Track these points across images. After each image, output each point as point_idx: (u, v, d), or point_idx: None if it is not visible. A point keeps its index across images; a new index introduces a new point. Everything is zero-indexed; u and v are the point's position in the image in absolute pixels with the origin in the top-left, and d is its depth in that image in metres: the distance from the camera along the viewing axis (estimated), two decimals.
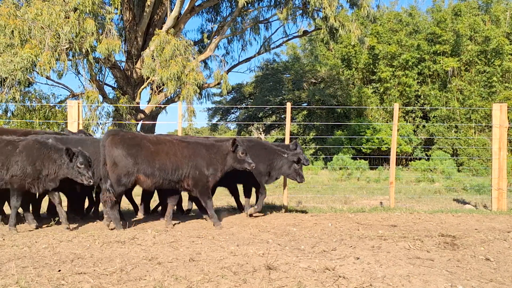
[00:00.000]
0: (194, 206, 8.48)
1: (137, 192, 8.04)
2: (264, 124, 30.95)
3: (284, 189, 9.17)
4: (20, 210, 6.65)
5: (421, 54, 27.64)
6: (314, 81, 30.45)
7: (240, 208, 8.50)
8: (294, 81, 30.26)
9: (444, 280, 3.96)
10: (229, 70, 25.12)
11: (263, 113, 31.61)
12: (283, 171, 7.90)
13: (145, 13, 20.43)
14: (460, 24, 27.29)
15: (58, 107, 21.06)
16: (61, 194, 6.82)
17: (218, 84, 22.31)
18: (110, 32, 17.23)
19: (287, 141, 9.25)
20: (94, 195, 7.85)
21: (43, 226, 6.80)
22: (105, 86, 21.47)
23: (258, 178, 7.82)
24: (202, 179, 6.74)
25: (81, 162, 6.19)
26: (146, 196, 8.09)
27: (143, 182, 6.56)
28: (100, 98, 19.26)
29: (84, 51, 16.59)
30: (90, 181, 6.27)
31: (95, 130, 19.27)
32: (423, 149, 25.99)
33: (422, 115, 27.99)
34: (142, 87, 20.64)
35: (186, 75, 17.96)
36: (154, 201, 8.52)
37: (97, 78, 19.98)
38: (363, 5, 20.14)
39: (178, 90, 18.75)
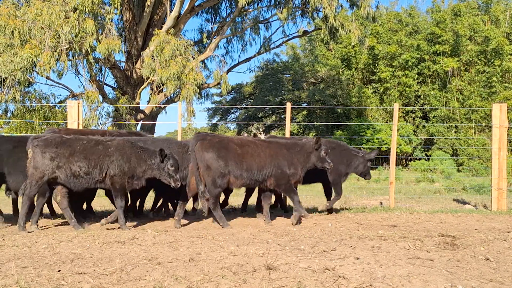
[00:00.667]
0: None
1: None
2: (264, 124, 30.94)
3: None
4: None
5: (421, 54, 27.64)
6: (314, 81, 30.45)
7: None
8: (294, 81, 30.25)
9: (444, 280, 3.96)
10: (229, 70, 25.13)
11: (263, 113, 31.60)
12: (358, 169, 8.32)
13: (145, 13, 20.43)
14: (459, 25, 27.29)
15: (58, 107, 21.08)
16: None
17: (218, 84, 22.31)
18: (110, 32, 17.23)
19: None
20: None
21: (43, 226, 6.80)
22: (105, 86, 21.48)
23: (337, 178, 8.16)
24: (284, 178, 6.94)
25: (172, 164, 6.39)
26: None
27: (233, 183, 6.83)
28: (100, 98, 19.26)
29: (84, 51, 16.59)
30: (178, 184, 6.44)
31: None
32: (423, 149, 25.99)
33: (422, 115, 27.98)
34: (142, 87, 20.64)
35: (186, 75, 17.96)
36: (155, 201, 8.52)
37: (97, 78, 19.98)
38: (362, 5, 20.15)
39: (178, 90, 18.75)
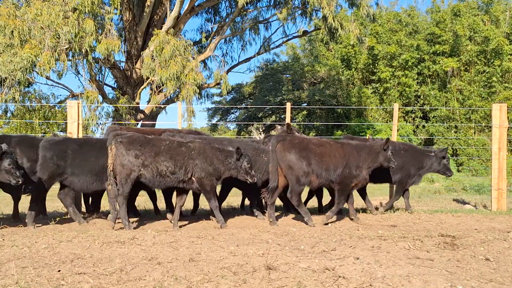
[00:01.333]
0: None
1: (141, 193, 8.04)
2: (264, 124, 30.92)
3: None
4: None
5: (420, 54, 27.64)
6: (314, 81, 30.44)
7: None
8: (294, 81, 30.25)
9: (444, 280, 3.96)
10: (228, 70, 25.14)
11: (263, 113, 31.58)
12: (434, 168, 8.56)
13: (144, 13, 20.43)
14: (459, 25, 27.29)
15: (58, 107, 21.09)
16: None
17: (218, 84, 22.31)
18: (109, 32, 17.23)
19: None
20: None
21: (40, 225, 6.80)
22: (104, 86, 21.49)
23: (405, 178, 8.42)
24: (349, 178, 7.14)
25: (248, 162, 6.68)
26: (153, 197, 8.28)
27: (313, 182, 7.03)
28: (100, 98, 19.28)
29: (83, 51, 16.60)
30: (255, 179, 6.77)
31: (95, 130, 19.31)
32: None
33: (422, 115, 27.99)
34: (142, 87, 20.64)
35: (186, 75, 17.96)
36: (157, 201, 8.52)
37: (97, 78, 19.98)
38: (361, 5, 20.16)
39: (177, 90, 18.76)
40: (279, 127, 9.05)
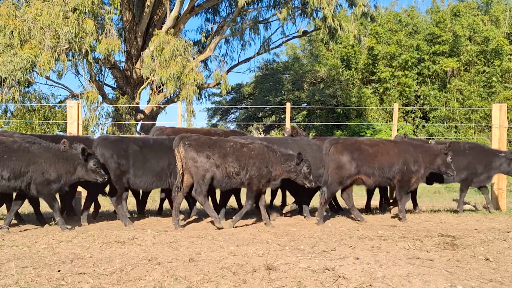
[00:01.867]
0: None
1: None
2: (264, 124, 30.91)
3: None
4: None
5: (420, 54, 27.62)
6: (314, 81, 30.43)
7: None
8: (294, 81, 30.22)
9: (443, 280, 3.97)
10: (228, 70, 25.13)
11: (263, 113, 31.55)
12: (503, 169, 8.49)
13: (144, 13, 20.43)
14: (458, 25, 27.28)
15: (58, 107, 21.08)
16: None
17: (218, 84, 22.32)
18: (109, 32, 17.23)
19: None
20: None
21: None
22: (104, 86, 21.50)
23: (471, 176, 8.44)
24: (408, 173, 7.29)
25: (308, 167, 6.77)
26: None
27: (365, 182, 7.35)
28: (100, 98, 19.28)
29: (83, 51, 16.60)
30: (313, 184, 6.89)
31: (95, 130, 19.31)
32: None
33: (421, 115, 27.96)
34: (142, 87, 20.64)
35: (186, 75, 17.97)
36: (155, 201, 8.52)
37: (97, 78, 19.99)
38: (358, 4, 20.19)
39: (177, 90, 18.76)
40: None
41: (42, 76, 17.06)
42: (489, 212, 8.61)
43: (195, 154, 6.50)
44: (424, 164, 7.35)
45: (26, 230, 6.46)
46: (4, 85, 16.11)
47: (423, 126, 27.11)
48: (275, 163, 6.74)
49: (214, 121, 32.89)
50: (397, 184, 7.32)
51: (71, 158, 6.27)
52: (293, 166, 6.72)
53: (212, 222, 7.11)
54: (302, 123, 29.97)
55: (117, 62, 21.16)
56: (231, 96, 33.01)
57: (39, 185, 6.10)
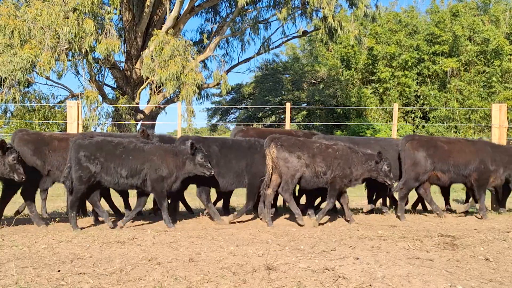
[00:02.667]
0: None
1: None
2: (264, 124, 30.92)
3: None
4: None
5: (420, 54, 27.64)
6: (314, 81, 30.44)
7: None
8: (294, 81, 30.23)
9: (443, 280, 3.97)
10: (228, 70, 25.13)
11: (263, 113, 31.58)
12: None
13: (144, 13, 20.43)
14: (457, 26, 27.29)
15: (58, 108, 21.08)
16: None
17: (218, 84, 22.32)
18: (109, 32, 17.23)
19: None
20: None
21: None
22: (104, 86, 21.49)
23: None
24: (485, 174, 7.45)
25: (388, 165, 6.98)
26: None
27: (440, 178, 7.53)
28: (100, 98, 19.29)
29: (83, 51, 16.60)
30: (393, 182, 7.14)
31: (95, 130, 19.30)
32: None
33: (421, 115, 27.99)
34: (142, 87, 20.64)
35: (185, 75, 17.97)
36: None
37: (97, 78, 19.99)
38: (359, 5, 20.19)
39: (177, 90, 18.76)
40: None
41: (42, 76, 17.06)
42: (499, 213, 8.49)
43: (287, 154, 6.76)
44: (502, 164, 7.48)
45: (26, 230, 6.45)
46: (4, 85, 16.12)
47: (423, 126, 27.12)
48: (357, 163, 6.98)
49: (214, 121, 32.92)
50: (474, 183, 7.46)
51: (180, 153, 6.59)
52: (373, 165, 6.96)
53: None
54: (302, 123, 29.99)
55: (117, 62, 21.16)
56: (231, 96, 33.03)
57: (154, 181, 6.44)
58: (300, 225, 6.79)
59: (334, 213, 8.42)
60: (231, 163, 7.08)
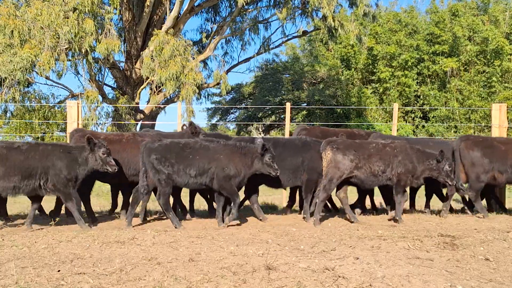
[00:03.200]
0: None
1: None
2: (264, 124, 30.90)
3: None
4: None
5: (420, 54, 27.63)
6: (314, 81, 30.42)
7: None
8: (294, 81, 30.20)
9: (443, 280, 3.97)
10: (228, 70, 25.12)
11: (263, 113, 31.53)
12: None
13: (144, 13, 20.42)
14: (456, 26, 27.28)
15: (58, 107, 21.08)
16: None
17: (218, 84, 22.31)
18: (109, 32, 17.23)
19: None
20: None
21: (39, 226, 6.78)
22: (104, 86, 21.48)
23: None
24: None
25: (449, 165, 7.13)
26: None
27: (497, 179, 7.59)
28: (100, 98, 19.27)
29: (83, 51, 16.59)
30: (454, 182, 7.27)
31: (95, 130, 19.30)
32: None
33: (421, 115, 27.96)
34: (142, 87, 20.63)
35: (185, 75, 17.96)
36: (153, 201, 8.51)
37: (97, 78, 19.98)
38: (359, 4, 20.19)
39: (177, 90, 18.75)
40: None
41: (42, 76, 17.05)
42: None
43: (341, 157, 7.02)
44: None
45: (26, 230, 6.45)
46: (4, 85, 16.11)
47: (423, 126, 27.10)
48: (417, 160, 7.12)
49: (213, 121, 32.90)
50: None
51: (249, 152, 6.77)
52: (434, 164, 7.07)
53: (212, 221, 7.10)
54: (302, 123, 29.98)
55: (117, 62, 21.15)
56: (231, 96, 33.00)
57: (221, 180, 6.59)
58: (351, 222, 7.14)
59: (335, 212, 8.43)
60: (286, 160, 7.31)
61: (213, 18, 25.08)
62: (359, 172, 7.04)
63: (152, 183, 6.74)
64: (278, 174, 6.81)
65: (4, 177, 6.13)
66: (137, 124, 20.35)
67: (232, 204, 6.73)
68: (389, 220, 7.47)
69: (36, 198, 6.68)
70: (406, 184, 7.14)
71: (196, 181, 6.62)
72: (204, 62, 24.28)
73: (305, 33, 24.60)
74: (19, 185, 6.21)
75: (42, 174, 6.28)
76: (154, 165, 6.51)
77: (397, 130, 11.04)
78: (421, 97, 27.84)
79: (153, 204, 9.59)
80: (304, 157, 7.36)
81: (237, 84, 32.69)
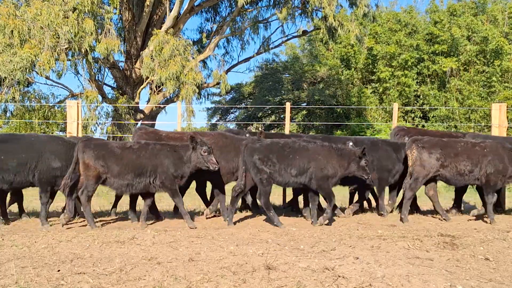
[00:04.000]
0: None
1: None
2: (264, 124, 30.90)
3: None
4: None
5: (420, 54, 27.63)
6: (314, 81, 30.42)
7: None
8: (294, 81, 30.20)
9: (443, 280, 3.97)
10: (228, 70, 25.11)
11: (263, 113, 31.52)
12: None
13: (144, 13, 20.42)
14: (455, 26, 27.27)
15: (58, 107, 21.07)
16: None
17: (217, 84, 22.30)
18: (109, 32, 17.22)
19: None
20: None
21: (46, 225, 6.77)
22: (104, 86, 21.48)
23: None
24: None
25: None
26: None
27: None
28: (100, 98, 19.26)
29: (83, 51, 16.59)
30: None
31: (94, 130, 19.31)
32: None
33: (421, 115, 27.96)
34: (141, 87, 20.62)
35: (185, 75, 17.96)
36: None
37: (96, 78, 19.98)
38: (359, 5, 20.19)
39: (177, 90, 18.75)
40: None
41: (41, 75, 17.04)
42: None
43: (427, 156, 7.09)
44: None
45: (26, 230, 6.45)
46: (4, 85, 16.11)
47: (423, 126, 27.08)
48: (509, 160, 7.09)
49: (213, 121, 32.88)
50: None
51: (346, 154, 6.90)
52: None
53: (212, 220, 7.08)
54: (302, 122, 29.98)
55: (117, 62, 21.14)
56: (231, 95, 32.99)
57: (319, 180, 6.74)
58: (446, 220, 7.33)
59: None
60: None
61: (213, 18, 25.10)
62: (445, 171, 7.11)
63: (250, 183, 6.89)
64: (369, 178, 6.96)
65: (119, 175, 6.45)
66: (137, 124, 20.33)
67: (327, 204, 6.90)
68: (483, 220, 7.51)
69: (147, 195, 6.89)
70: (496, 184, 7.12)
71: (296, 181, 6.78)
72: (204, 61, 24.27)
73: (305, 33, 24.59)
74: (132, 183, 6.54)
75: (151, 172, 6.57)
76: (256, 165, 6.67)
77: None
78: (421, 97, 27.84)
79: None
80: (373, 156, 7.54)
81: (237, 84, 32.69)
